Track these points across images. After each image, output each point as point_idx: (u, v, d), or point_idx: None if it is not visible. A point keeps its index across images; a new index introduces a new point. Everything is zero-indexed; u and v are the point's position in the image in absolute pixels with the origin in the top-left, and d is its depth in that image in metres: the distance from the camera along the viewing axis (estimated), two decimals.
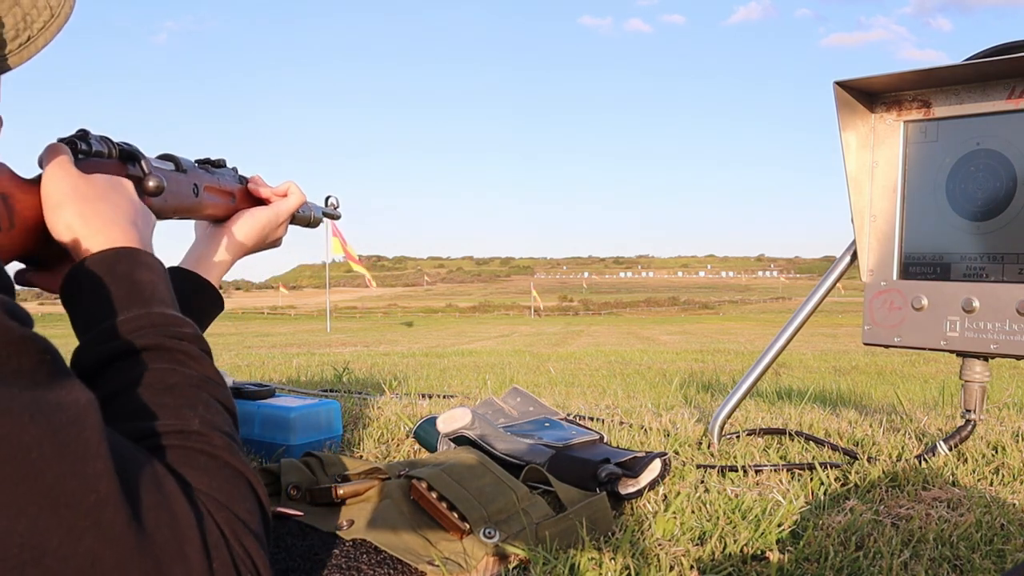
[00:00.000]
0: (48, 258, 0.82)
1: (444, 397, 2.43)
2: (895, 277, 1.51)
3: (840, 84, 1.44)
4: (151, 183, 0.90)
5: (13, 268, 0.80)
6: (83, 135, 0.86)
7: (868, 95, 1.51)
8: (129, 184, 0.85)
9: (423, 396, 2.37)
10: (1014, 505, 1.16)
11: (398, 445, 1.56)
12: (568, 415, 1.60)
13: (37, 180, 0.79)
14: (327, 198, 1.39)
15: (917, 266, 1.49)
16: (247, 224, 1.11)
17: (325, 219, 1.37)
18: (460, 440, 1.34)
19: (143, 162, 0.92)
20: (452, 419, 1.35)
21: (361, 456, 1.48)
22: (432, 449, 1.41)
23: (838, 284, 1.63)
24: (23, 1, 0.68)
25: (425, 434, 1.44)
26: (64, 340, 0.71)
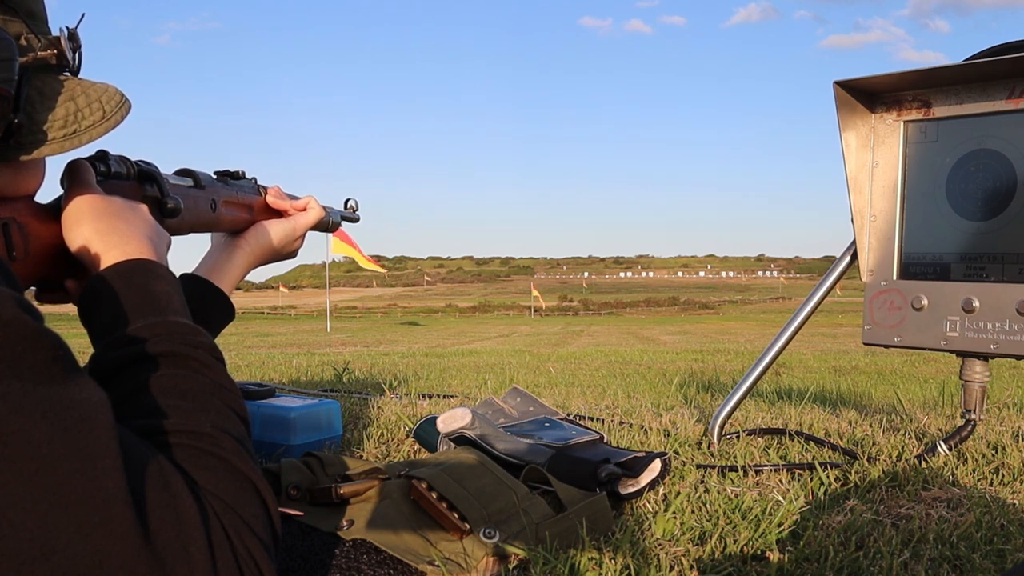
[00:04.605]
0: (63, 282, 0.84)
1: (444, 397, 2.43)
2: (895, 277, 1.51)
3: (840, 84, 1.44)
4: (169, 205, 0.92)
5: None
6: (102, 156, 0.87)
7: (868, 95, 1.51)
8: (144, 207, 0.87)
9: (423, 396, 2.37)
10: (1014, 505, 1.16)
11: (398, 445, 1.56)
12: (568, 415, 1.60)
13: (55, 206, 0.81)
14: (346, 201, 1.39)
15: (917, 266, 1.49)
16: (264, 236, 1.12)
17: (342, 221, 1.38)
18: (460, 440, 1.34)
19: (160, 183, 0.93)
20: (452, 419, 1.35)
21: (361, 456, 1.48)
22: (432, 449, 1.41)
23: (837, 285, 1.64)
24: (78, 99, 0.74)
25: (425, 434, 1.44)
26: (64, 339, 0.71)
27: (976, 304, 1.40)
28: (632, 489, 1.18)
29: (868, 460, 1.42)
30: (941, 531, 1.03)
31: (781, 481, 1.31)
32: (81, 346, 0.80)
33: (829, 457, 1.49)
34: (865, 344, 1.55)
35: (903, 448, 1.55)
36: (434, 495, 1.01)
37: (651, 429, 1.71)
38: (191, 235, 1.04)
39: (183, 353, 0.68)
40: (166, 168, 0.99)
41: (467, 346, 13.31)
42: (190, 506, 0.54)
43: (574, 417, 1.70)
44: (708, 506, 1.15)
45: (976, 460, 1.45)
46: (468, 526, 0.98)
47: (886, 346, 1.53)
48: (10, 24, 0.70)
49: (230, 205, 1.07)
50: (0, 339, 0.48)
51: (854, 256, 1.57)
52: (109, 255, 0.77)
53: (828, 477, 1.31)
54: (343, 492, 1.06)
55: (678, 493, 1.20)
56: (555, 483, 1.11)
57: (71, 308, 0.82)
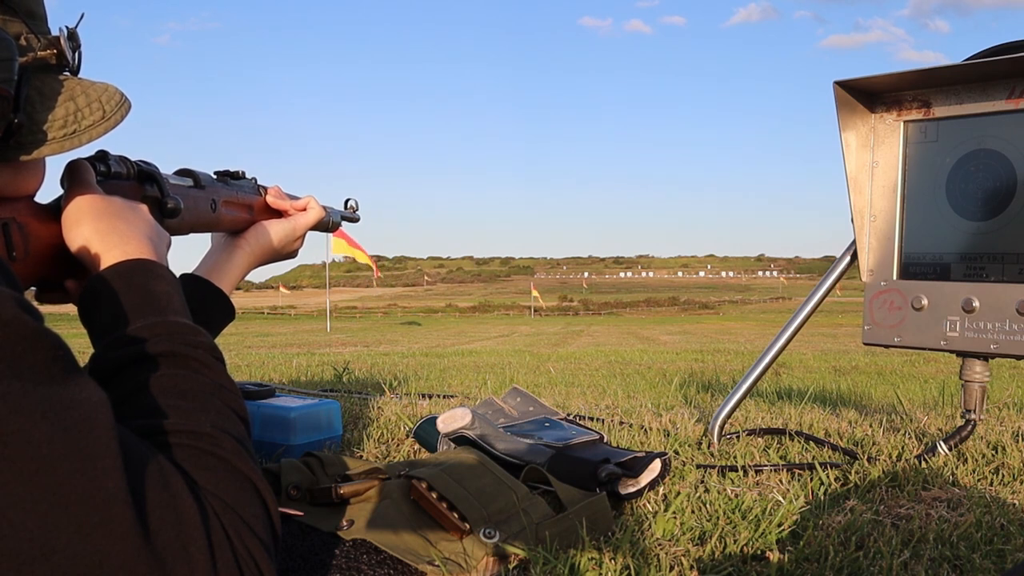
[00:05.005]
0: (63, 282, 0.84)
1: (444, 397, 2.43)
2: (895, 277, 1.51)
3: (840, 84, 1.44)
4: (169, 205, 0.92)
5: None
6: (102, 156, 0.87)
7: (868, 95, 1.51)
8: (144, 207, 0.87)
9: (423, 396, 2.37)
10: (1014, 505, 1.16)
11: (398, 445, 1.56)
12: (568, 415, 1.60)
13: (55, 206, 0.81)
14: (346, 201, 1.39)
15: (917, 266, 1.49)
16: (264, 236, 1.12)
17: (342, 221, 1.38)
18: (460, 440, 1.34)
19: (160, 183, 0.93)
20: (452, 419, 1.35)
21: (361, 456, 1.48)
22: (432, 449, 1.41)
23: (837, 285, 1.64)
24: (78, 99, 0.74)
25: (425, 434, 1.44)
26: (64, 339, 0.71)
27: (976, 304, 1.40)
28: (632, 489, 1.18)
29: (868, 460, 1.42)
30: (941, 531, 1.03)
31: (781, 481, 1.31)
32: (81, 346, 0.80)
33: (829, 457, 1.49)
34: (865, 344, 1.55)
35: (903, 448, 1.55)
36: (434, 495, 1.01)
37: (651, 429, 1.71)
38: (191, 235, 1.04)
39: (183, 353, 0.68)
40: (166, 168, 0.99)
41: (467, 346, 13.30)
42: (190, 506, 0.54)
43: (574, 417, 1.70)
44: (708, 506, 1.15)
45: (976, 460, 1.45)
46: (468, 526, 0.98)
47: (886, 346, 1.53)
48: (10, 24, 0.70)
49: (230, 205, 1.07)
50: (0, 339, 0.48)
51: (854, 256, 1.57)
52: (109, 255, 0.76)
53: (828, 477, 1.31)
54: (343, 492, 1.06)
55: (678, 493, 1.20)
56: (555, 483, 1.11)
57: (71, 308, 0.82)
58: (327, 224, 1.29)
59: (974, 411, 1.48)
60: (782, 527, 1.05)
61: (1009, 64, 1.31)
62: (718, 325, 33.24)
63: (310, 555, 0.96)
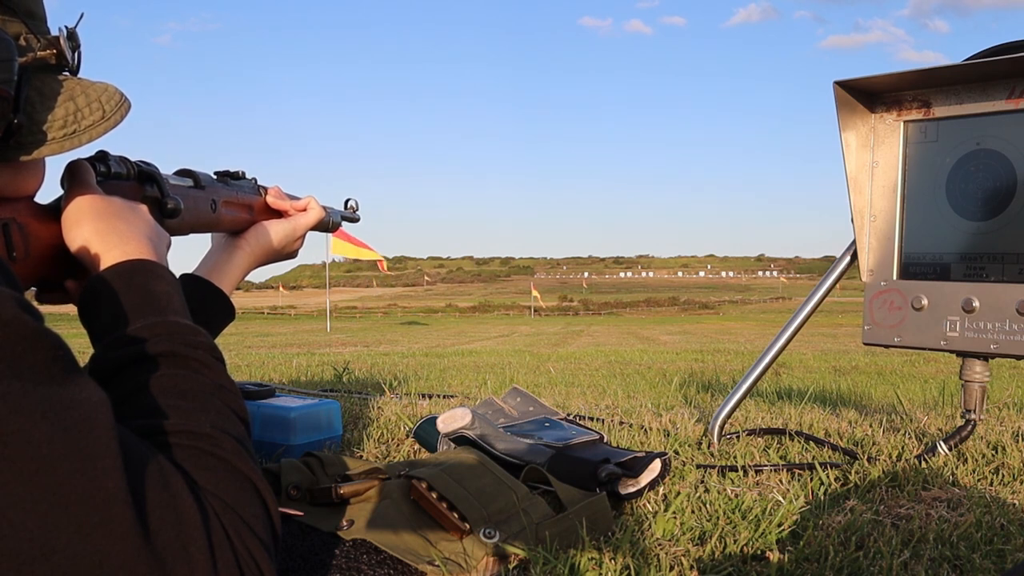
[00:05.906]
0: (63, 282, 0.84)
1: (444, 397, 2.43)
2: (895, 277, 1.51)
3: (840, 84, 1.44)
4: (169, 205, 0.93)
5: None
6: (102, 156, 0.87)
7: (868, 95, 1.51)
8: (144, 207, 0.87)
9: (423, 396, 2.37)
10: (1014, 505, 1.16)
11: (398, 445, 1.56)
12: (568, 415, 1.60)
13: (55, 207, 0.81)
14: (346, 201, 1.39)
15: (917, 266, 1.49)
16: (264, 237, 1.12)
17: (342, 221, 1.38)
18: (460, 440, 1.34)
19: (160, 183, 0.93)
20: (452, 419, 1.35)
21: (361, 456, 1.48)
22: (432, 449, 1.41)
23: (837, 284, 1.64)
24: (78, 99, 0.74)
25: (425, 434, 1.44)
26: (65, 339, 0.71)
27: (976, 304, 1.40)
28: (632, 489, 1.18)
29: (868, 460, 1.42)
30: (941, 531, 1.03)
31: (781, 481, 1.31)
32: (81, 346, 0.80)
33: (829, 457, 1.49)
34: (865, 344, 1.55)
35: (903, 448, 1.55)
36: (434, 495, 1.01)
37: (651, 429, 1.71)
38: (191, 235, 1.04)
39: (183, 353, 0.68)
40: (166, 168, 0.99)
41: (467, 346, 13.30)
42: (190, 506, 0.54)
43: (574, 417, 1.70)
44: (708, 506, 1.15)
45: (976, 460, 1.45)
46: (468, 526, 0.98)
47: (886, 346, 1.53)
48: (9, 24, 0.70)
49: (230, 205, 1.07)
50: (0, 339, 0.48)
51: (854, 256, 1.57)
52: (109, 255, 0.76)
53: (828, 477, 1.31)
54: (343, 492, 1.06)
55: (678, 493, 1.20)
56: (555, 483, 1.11)
57: (71, 308, 0.82)
58: (327, 224, 1.30)
59: (974, 411, 1.48)
60: (782, 527, 1.05)
61: (1009, 64, 1.31)
62: (718, 325, 33.24)
63: (310, 555, 0.96)
